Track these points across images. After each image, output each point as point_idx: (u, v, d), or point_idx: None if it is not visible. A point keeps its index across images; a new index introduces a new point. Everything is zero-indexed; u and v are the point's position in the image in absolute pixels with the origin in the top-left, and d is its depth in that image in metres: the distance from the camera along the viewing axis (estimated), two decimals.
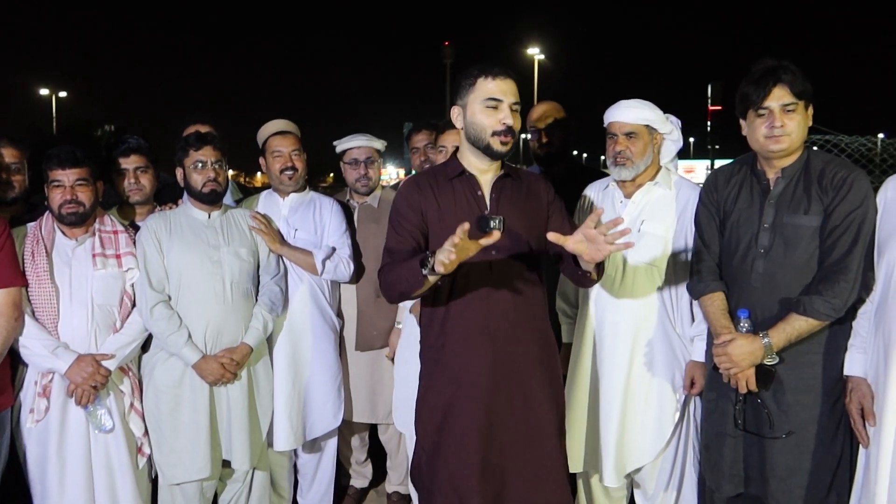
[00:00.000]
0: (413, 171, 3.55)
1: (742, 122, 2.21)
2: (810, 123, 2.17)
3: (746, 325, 2.12)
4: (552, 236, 1.87)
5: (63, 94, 36.21)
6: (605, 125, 2.51)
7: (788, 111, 2.08)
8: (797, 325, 2.04)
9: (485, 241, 1.77)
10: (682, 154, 2.66)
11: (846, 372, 2.12)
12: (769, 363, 2.09)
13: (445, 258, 1.73)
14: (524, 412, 2.06)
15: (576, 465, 2.56)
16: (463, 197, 2.08)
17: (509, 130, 2.03)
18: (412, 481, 2.28)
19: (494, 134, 2.02)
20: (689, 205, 2.41)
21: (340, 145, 3.03)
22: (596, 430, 2.52)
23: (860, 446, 2.11)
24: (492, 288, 2.04)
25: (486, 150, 2.05)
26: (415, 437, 2.20)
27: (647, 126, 2.43)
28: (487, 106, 2.02)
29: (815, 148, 2.32)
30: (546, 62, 32.53)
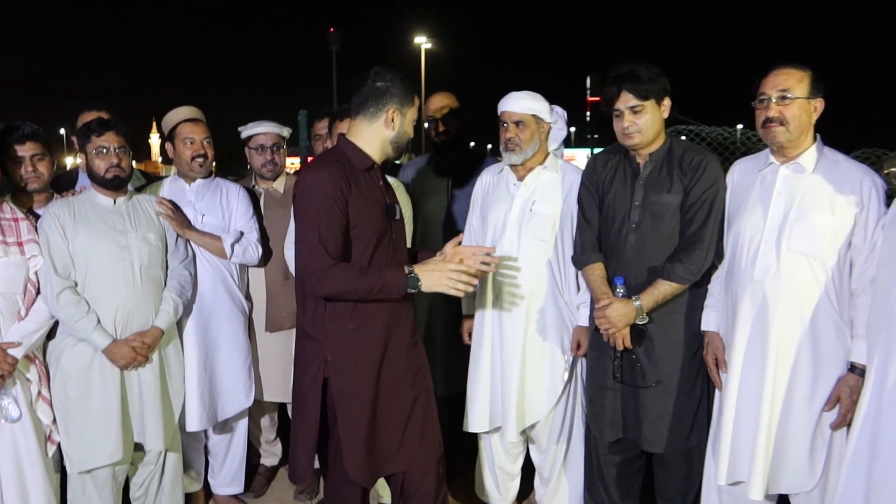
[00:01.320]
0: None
1: None
2: (665, 115, 2.46)
3: (622, 290, 2.42)
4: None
5: None
6: (498, 114, 2.75)
7: (636, 111, 2.38)
8: (663, 289, 2.37)
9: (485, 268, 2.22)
10: (564, 143, 2.94)
11: (703, 328, 2.48)
12: (641, 323, 2.41)
13: (462, 289, 2.10)
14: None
15: (482, 425, 2.79)
16: (374, 188, 2.24)
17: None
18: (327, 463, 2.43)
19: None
20: (573, 187, 2.68)
21: (246, 131, 3.10)
22: (498, 392, 2.76)
23: (716, 392, 2.49)
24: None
25: (400, 154, 2.32)
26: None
27: (535, 116, 2.68)
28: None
29: (680, 137, 2.67)
30: (434, 51, 32.77)
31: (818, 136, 2.33)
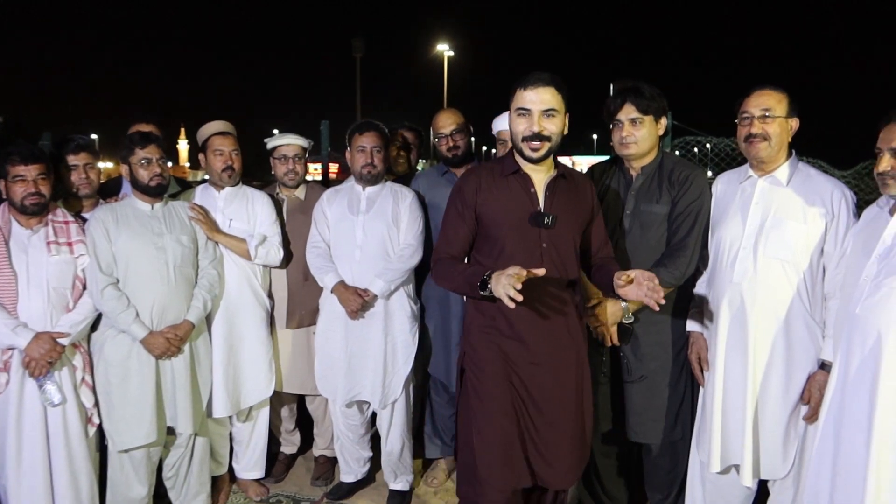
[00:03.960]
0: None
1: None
2: (661, 132, 2.65)
3: None
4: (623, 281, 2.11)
5: None
6: (495, 131, 2.92)
7: (635, 123, 2.58)
8: None
9: (537, 272, 2.02)
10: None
11: (687, 329, 2.67)
12: (627, 322, 2.61)
13: (508, 294, 1.94)
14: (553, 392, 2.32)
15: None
16: (518, 193, 2.31)
17: (536, 136, 2.23)
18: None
19: (524, 140, 2.26)
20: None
21: (271, 142, 3.34)
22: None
23: (700, 388, 2.67)
24: (539, 280, 2.12)
25: (521, 154, 2.30)
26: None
27: None
28: (519, 114, 2.26)
29: (669, 151, 2.85)
30: (456, 58, 32.96)
31: (793, 151, 2.52)
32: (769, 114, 2.42)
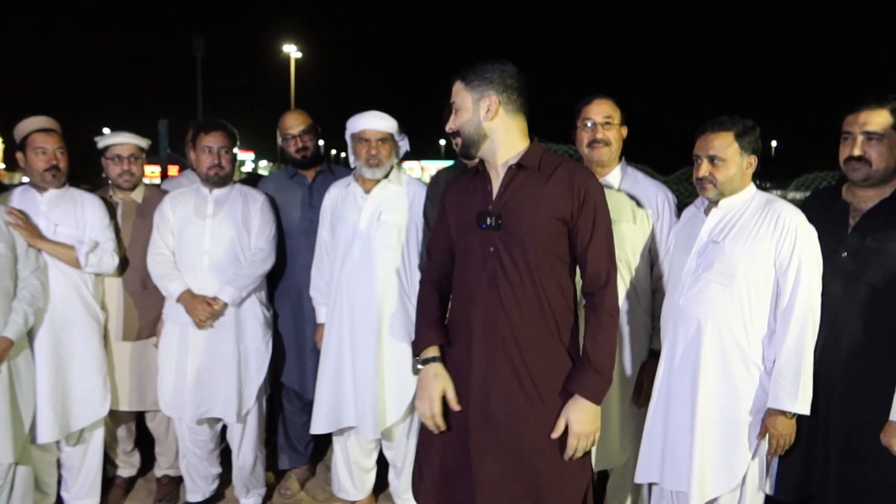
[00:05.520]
0: (188, 169, 3.63)
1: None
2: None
3: None
4: None
5: None
6: (355, 131, 2.88)
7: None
8: None
9: (453, 406, 1.99)
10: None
11: None
12: None
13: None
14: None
15: (325, 426, 2.92)
16: (474, 193, 2.06)
17: (455, 133, 2.05)
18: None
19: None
20: (416, 198, 2.91)
21: (103, 141, 3.09)
22: (349, 394, 2.88)
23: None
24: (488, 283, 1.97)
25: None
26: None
27: (391, 134, 2.91)
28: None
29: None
30: (304, 60, 32.43)
31: (623, 157, 2.74)
32: (610, 121, 2.64)
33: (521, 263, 1.95)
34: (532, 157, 1.99)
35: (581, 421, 1.93)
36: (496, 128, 1.98)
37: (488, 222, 1.97)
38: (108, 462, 3.30)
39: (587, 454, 2.03)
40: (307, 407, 3.34)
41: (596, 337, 1.96)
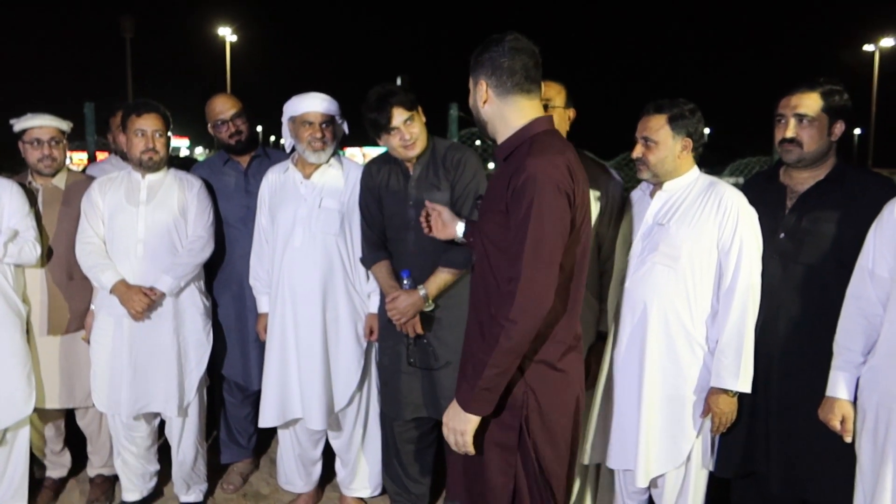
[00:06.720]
0: (112, 154, 3.46)
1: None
2: (424, 119, 2.64)
3: (408, 282, 2.60)
4: None
5: None
6: (297, 114, 2.77)
7: (409, 123, 2.54)
8: (444, 276, 2.60)
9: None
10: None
11: None
12: (428, 309, 2.63)
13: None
14: None
15: (274, 419, 2.86)
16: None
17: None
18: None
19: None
20: (357, 183, 2.82)
21: (20, 124, 2.89)
22: (295, 385, 2.82)
23: None
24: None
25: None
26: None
27: (334, 116, 2.82)
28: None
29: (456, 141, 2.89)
30: (240, 42, 31.59)
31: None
32: (550, 104, 2.58)
33: (482, 256, 1.90)
34: (505, 148, 1.89)
35: (448, 414, 1.93)
36: (490, 113, 1.90)
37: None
38: (36, 463, 3.15)
39: (507, 457, 1.89)
40: (249, 399, 3.26)
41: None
